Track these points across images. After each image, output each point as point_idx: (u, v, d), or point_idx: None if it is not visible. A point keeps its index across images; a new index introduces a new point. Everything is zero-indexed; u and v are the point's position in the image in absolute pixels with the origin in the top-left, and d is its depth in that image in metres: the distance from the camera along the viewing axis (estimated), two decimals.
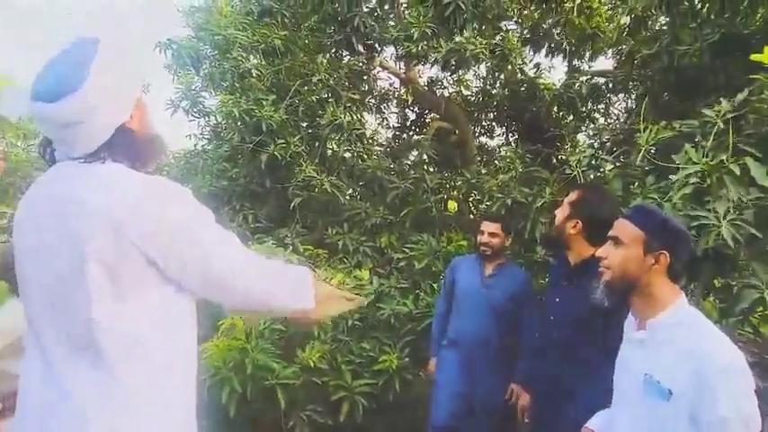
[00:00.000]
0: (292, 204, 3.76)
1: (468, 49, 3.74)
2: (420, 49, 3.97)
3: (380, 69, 5.53)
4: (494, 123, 6.06)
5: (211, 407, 2.84)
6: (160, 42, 4.10)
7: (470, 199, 5.11)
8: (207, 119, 4.60)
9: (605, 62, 5.15)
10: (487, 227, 2.74)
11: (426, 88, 5.66)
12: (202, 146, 4.61)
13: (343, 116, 3.96)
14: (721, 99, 2.17)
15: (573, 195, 2.08)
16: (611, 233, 1.39)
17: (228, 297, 1.18)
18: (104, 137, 1.06)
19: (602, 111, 5.17)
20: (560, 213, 2.06)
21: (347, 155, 4.42)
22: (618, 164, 3.05)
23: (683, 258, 1.32)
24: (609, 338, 1.51)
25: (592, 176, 2.91)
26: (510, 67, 4.63)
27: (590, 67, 5.15)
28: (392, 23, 4.31)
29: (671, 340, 1.26)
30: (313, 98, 4.07)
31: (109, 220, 1.01)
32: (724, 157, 1.94)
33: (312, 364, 2.65)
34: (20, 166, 4.70)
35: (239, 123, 3.80)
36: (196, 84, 4.57)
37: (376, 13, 4.25)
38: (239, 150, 3.92)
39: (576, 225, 1.99)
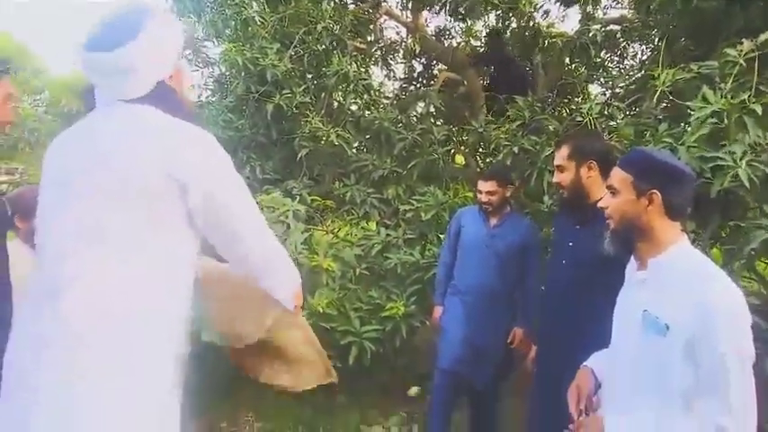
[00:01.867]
0: (299, 156, 3.73)
1: None
2: None
3: (387, 18, 5.36)
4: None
5: (225, 349, 2.93)
6: None
7: (478, 152, 5.06)
8: (210, 69, 4.52)
9: (620, 10, 4.96)
10: (483, 186, 2.73)
11: (434, 38, 5.50)
12: (206, 97, 4.55)
13: (349, 66, 3.87)
14: (743, 40, 2.10)
15: (567, 147, 2.06)
16: (607, 183, 1.42)
17: (233, 255, 1.30)
18: (148, 87, 1.20)
19: (617, 60, 5.04)
20: (567, 172, 2.04)
21: (353, 107, 4.35)
22: (631, 112, 3.00)
23: (679, 195, 1.31)
24: (619, 284, 1.52)
25: (603, 125, 2.87)
26: (520, 15, 4.47)
27: (605, 14, 4.97)
28: None
29: (671, 278, 1.27)
30: (318, 47, 3.97)
31: (156, 157, 1.11)
32: (745, 97, 1.90)
33: (321, 310, 2.70)
34: (26, 121, 4.67)
35: (243, 73, 3.72)
36: (198, 32, 4.45)
37: None
38: (244, 101, 3.87)
39: (591, 166, 1.99)
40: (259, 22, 3.80)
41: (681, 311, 1.20)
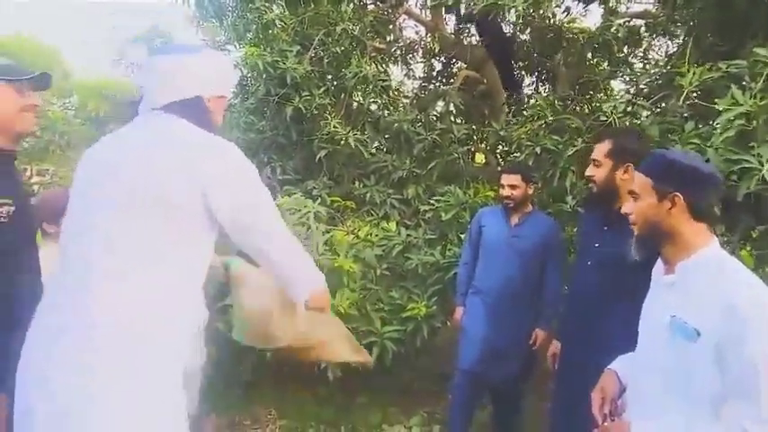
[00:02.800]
0: (318, 157, 3.76)
1: None
2: None
3: (406, 17, 5.36)
4: (523, 72, 5.86)
5: (247, 348, 2.98)
6: None
7: (498, 150, 5.03)
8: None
9: (643, 5, 4.86)
10: (507, 179, 2.72)
11: (453, 36, 5.47)
12: (229, 100, 4.60)
13: (368, 67, 3.88)
14: None
15: (609, 143, 2.00)
16: (629, 189, 1.40)
17: (260, 257, 1.35)
18: (184, 95, 1.28)
19: (640, 56, 4.93)
20: (603, 169, 1.99)
21: (373, 107, 4.36)
22: (656, 110, 2.94)
23: (703, 196, 1.28)
24: (645, 287, 1.50)
25: (628, 124, 2.81)
26: (541, 11, 4.40)
27: (627, 9, 4.87)
28: None
29: (701, 281, 1.24)
30: (338, 49, 3.99)
31: (182, 164, 1.17)
32: None
33: (342, 311, 2.72)
34: (57, 124, 4.82)
35: (264, 76, 3.76)
36: (220, 36, 4.52)
37: None
38: (265, 103, 3.91)
39: (627, 169, 1.93)
40: (279, 25, 3.84)
41: (710, 316, 1.18)
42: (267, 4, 3.95)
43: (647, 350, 1.38)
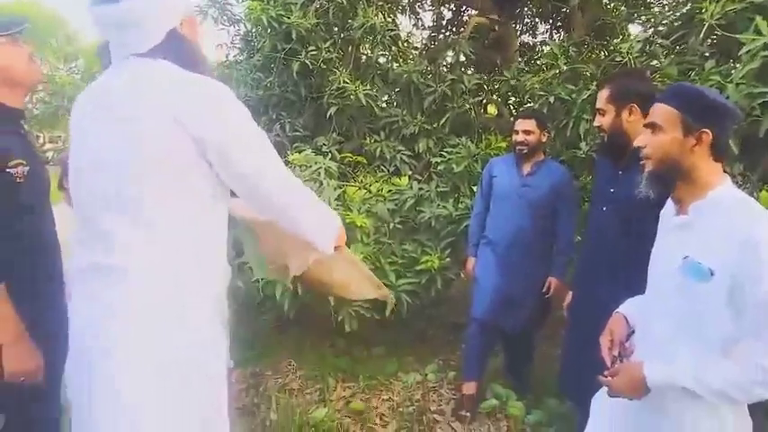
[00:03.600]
0: (328, 114, 3.71)
1: None
2: None
3: None
4: (537, 19, 5.65)
5: (267, 304, 3.06)
6: None
7: (510, 101, 4.91)
8: (236, 27, 4.48)
9: None
10: (521, 124, 2.67)
11: None
12: (234, 56, 4.53)
13: (375, 18, 3.76)
14: None
15: (608, 89, 1.96)
16: (647, 120, 1.31)
17: (259, 203, 1.26)
18: (158, 38, 1.17)
19: None
20: (608, 115, 1.95)
21: (381, 59, 4.25)
22: (674, 50, 2.83)
23: (727, 135, 1.24)
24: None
25: (645, 65, 2.72)
26: None
27: None
28: None
29: (716, 221, 1.20)
30: (343, 0, 3.86)
31: (168, 112, 1.09)
32: None
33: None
34: (65, 89, 4.80)
35: (269, 31, 3.67)
36: None
37: None
38: (271, 59, 3.84)
39: (632, 110, 1.90)
40: None
41: (725, 254, 1.15)
42: None
43: (657, 292, 1.37)
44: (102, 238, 1.13)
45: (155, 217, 1.12)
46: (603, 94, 1.98)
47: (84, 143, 1.18)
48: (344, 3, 3.83)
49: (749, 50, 1.86)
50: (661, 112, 1.28)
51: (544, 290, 2.66)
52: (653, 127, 1.29)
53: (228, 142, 1.13)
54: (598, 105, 2.01)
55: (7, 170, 1.44)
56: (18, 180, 1.47)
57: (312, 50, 3.65)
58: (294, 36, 3.55)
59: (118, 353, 1.09)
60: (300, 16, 3.56)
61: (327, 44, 3.73)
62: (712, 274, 1.17)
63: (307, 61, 3.60)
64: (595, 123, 2.04)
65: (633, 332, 1.45)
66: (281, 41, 3.68)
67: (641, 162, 1.34)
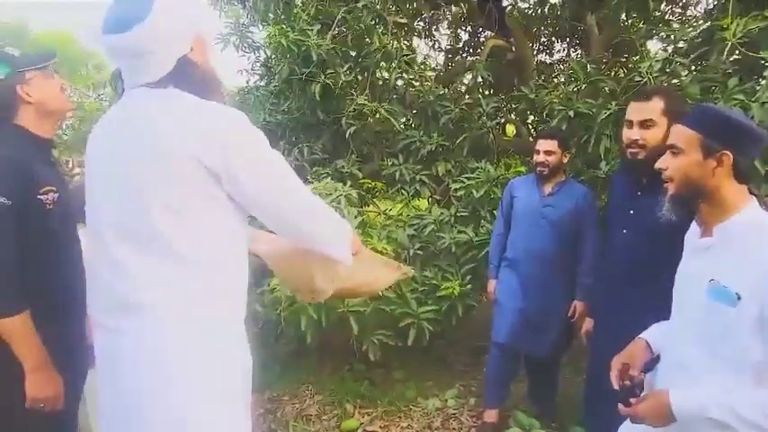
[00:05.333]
0: (347, 134, 3.74)
1: None
2: None
3: None
4: (553, 38, 5.65)
5: (289, 334, 3.05)
6: None
7: (529, 120, 4.88)
8: (257, 53, 4.58)
9: None
10: (543, 145, 2.64)
11: (478, 3, 5.29)
12: (254, 81, 4.63)
13: (390, 43, 3.80)
14: None
15: (662, 100, 1.83)
16: (668, 142, 1.29)
17: (278, 226, 1.25)
18: (169, 66, 1.15)
19: (678, 12, 4.66)
20: (657, 129, 1.82)
21: (398, 83, 4.29)
22: (695, 68, 2.78)
23: (750, 157, 1.21)
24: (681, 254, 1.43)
25: (665, 84, 2.67)
26: None
27: None
28: None
29: (741, 243, 1.17)
30: (360, 26, 3.92)
31: (181, 144, 1.07)
32: None
33: (380, 294, 2.73)
34: (94, 115, 4.97)
35: (288, 56, 3.74)
36: (243, 17, 4.52)
37: None
38: (290, 83, 3.90)
39: None
40: (300, 4, 3.79)
41: (752, 279, 1.12)
42: None
43: (683, 316, 1.33)
44: (124, 273, 1.12)
45: (178, 250, 1.10)
46: (656, 104, 1.84)
47: (99, 177, 1.19)
48: (361, 28, 3.89)
49: None
50: (681, 134, 1.26)
51: (570, 314, 2.59)
52: (674, 149, 1.28)
53: (242, 172, 1.12)
54: (646, 116, 1.85)
55: (38, 197, 1.49)
56: (48, 207, 1.52)
57: (330, 73, 3.70)
58: (314, 58, 3.61)
59: (175, 387, 1.10)
60: (318, 40, 3.62)
61: (345, 68, 3.78)
62: (739, 298, 1.14)
63: (328, 82, 3.64)
64: (633, 136, 1.86)
65: (658, 358, 1.40)
66: (300, 65, 3.74)
67: (663, 184, 1.31)
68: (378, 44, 3.76)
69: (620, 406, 1.28)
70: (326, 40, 3.61)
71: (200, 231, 1.13)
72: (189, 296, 1.12)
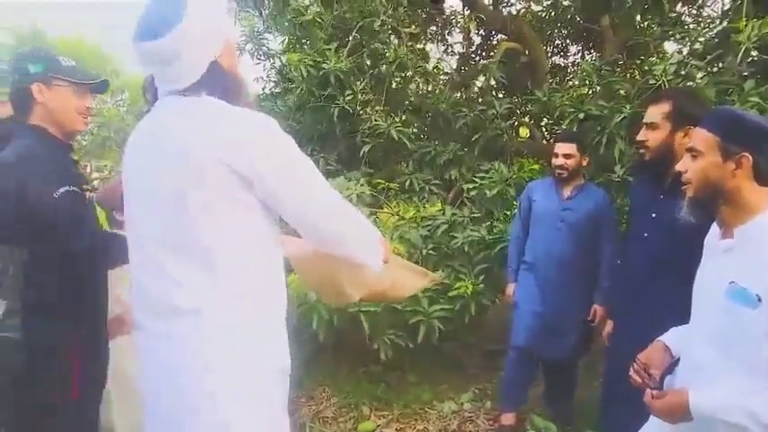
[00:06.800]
0: (362, 151, 3.79)
1: None
2: None
3: None
4: (567, 41, 5.63)
5: (302, 332, 3.08)
6: None
7: (543, 123, 4.88)
8: (272, 60, 4.64)
9: None
10: (561, 148, 2.64)
11: (491, 7, 5.31)
12: (270, 89, 4.69)
13: (405, 56, 3.84)
14: None
15: (668, 104, 1.87)
16: (688, 145, 1.31)
17: (308, 231, 1.25)
18: (201, 71, 1.16)
19: (694, 14, 4.63)
20: (660, 131, 1.87)
21: (412, 86, 4.31)
22: (711, 70, 2.77)
23: None
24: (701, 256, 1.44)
25: (681, 86, 2.66)
26: None
27: None
28: None
29: (762, 245, 1.18)
30: (375, 45, 3.96)
31: (213, 151, 1.09)
32: None
33: None
34: (112, 121, 5.08)
35: (307, 77, 3.77)
36: (258, 25, 4.58)
37: None
38: (307, 101, 3.93)
39: (688, 132, 1.80)
40: (317, 24, 3.83)
41: None
42: (305, 4, 3.95)
43: (702, 318, 1.34)
44: (167, 280, 1.14)
45: (217, 255, 1.12)
46: (662, 108, 1.88)
47: (137, 190, 1.22)
48: (377, 46, 3.93)
49: None
50: (700, 137, 1.28)
51: (590, 317, 2.59)
52: (693, 152, 1.30)
53: (273, 177, 1.13)
54: (650, 119, 1.91)
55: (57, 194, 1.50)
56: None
57: (349, 94, 3.74)
58: (332, 81, 3.64)
59: (219, 390, 1.14)
60: (337, 60, 3.65)
61: (361, 86, 3.81)
62: (759, 300, 1.15)
63: (346, 106, 3.68)
64: (640, 137, 1.93)
65: (678, 361, 1.41)
66: (319, 88, 3.77)
67: (683, 187, 1.33)
68: (393, 56, 3.80)
69: (645, 397, 1.29)
70: (343, 62, 3.64)
71: (237, 236, 1.15)
72: (229, 300, 1.15)
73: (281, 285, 1.28)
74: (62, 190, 1.51)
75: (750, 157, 1.20)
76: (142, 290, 1.21)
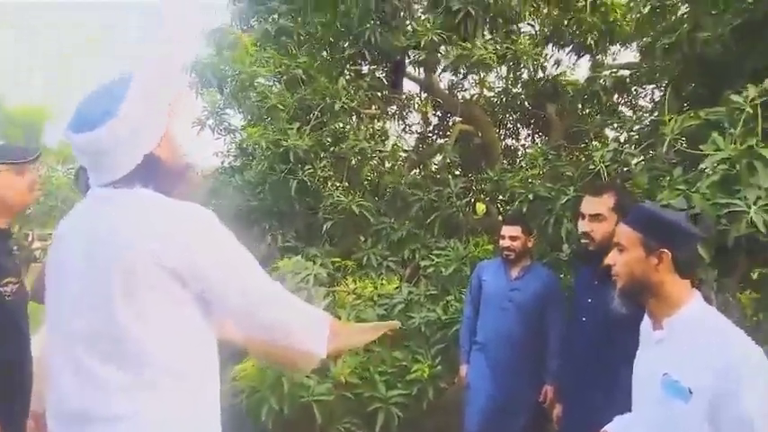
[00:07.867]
0: (323, 228, 3.82)
1: (476, 55, 3.72)
2: (431, 56, 3.99)
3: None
4: (518, 125, 6.00)
5: (249, 425, 2.90)
6: (185, 63, 4.29)
7: (498, 199, 5.07)
8: (232, 136, 4.72)
9: (631, 55, 5.04)
10: (507, 230, 2.73)
11: (447, 91, 5.65)
12: (229, 163, 4.74)
13: (365, 142, 4.02)
14: (748, 85, 2.10)
15: (613, 196, 1.98)
16: (614, 240, 1.39)
17: (248, 324, 1.21)
18: (133, 164, 1.12)
19: (630, 103, 5.05)
20: (606, 223, 1.95)
21: (370, 175, 4.46)
22: (644, 158, 2.97)
23: (687, 253, 1.30)
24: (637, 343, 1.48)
25: (617, 171, 2.84)
26: (527, 67, 4.59)
27: (614, 61, 5.06)
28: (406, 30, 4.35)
29: (689, 338, 1.23)
30: (337, 125, 4.13)
31: (144, 248, 1.05)
32: (753, 143, 1.88)
33: (344, 380, 2.67)
34: (60, 190, 4.96)
35: (267, 152, 3.85)
36: (220, 101, 4.70)
37: (388, 25, 4.29)
38: (267, 177, 3.99)
39: None
40: (280, 106, 3.98)
41: (702, 375, 1.17)
42: (268, 84, 4.12)
43: (641, 407, 1.36)
44: (93, 383, 1.07)
45: (146, 358, 1.07)
46: (607, 201, 1.97)
47: (65, 283, 1.14)
48: (338, 127, 4.09)
49: (709, 164, 1.96)
50: (624, 233, 1.36)
51: (541, 398, 2.57)
52: (618, 246, 1.36)
53: (209, 271, 1.10)
54: (596, 210, 1.98)
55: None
56: (7, 297, 1.49)
57: (309, 169, 3.82)
58: (292, 158, 3.72)
59: None
60: (297, 139, 3.76)
61: (322, 164, 3.92)
62: (691, 393, 1.18)
63: (305, 179, 3.75)
64: (585, 228, 2.00)
65: None
66: (279, 162, 3.85)
67: (613, 278, 1.38)
68: (352, 142, 3.95)
69: None
70: (304, 138, 3.76)
71: (169, 336, 1.10)
72: (160, 403, 1.08)
73: (215, 383, 1.21)
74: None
75: (669, 253, 1.27)
76: (60, 389, 1.11)
